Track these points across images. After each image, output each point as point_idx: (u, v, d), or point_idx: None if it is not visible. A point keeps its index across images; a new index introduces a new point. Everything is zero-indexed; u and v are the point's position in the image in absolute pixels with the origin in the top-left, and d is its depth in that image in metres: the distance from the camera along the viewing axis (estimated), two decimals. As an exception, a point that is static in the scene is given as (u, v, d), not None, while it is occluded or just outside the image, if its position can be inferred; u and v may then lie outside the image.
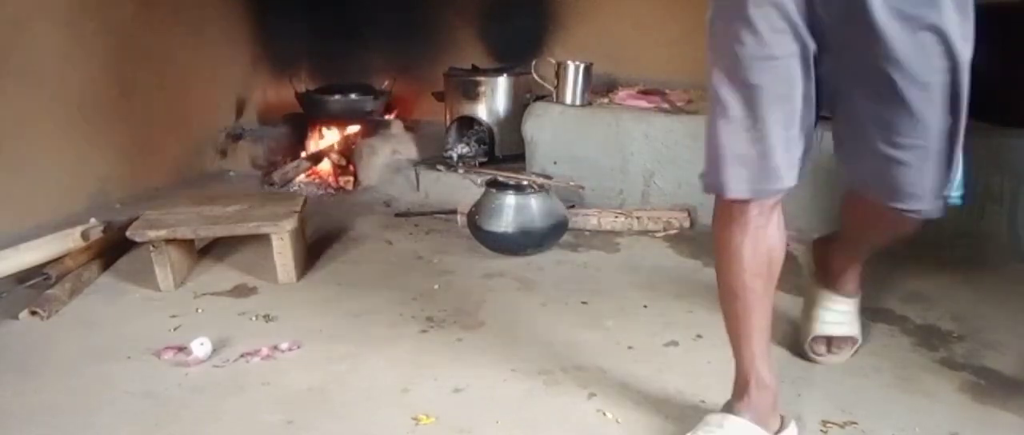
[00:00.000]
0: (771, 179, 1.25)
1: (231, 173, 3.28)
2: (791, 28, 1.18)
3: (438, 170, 2.99)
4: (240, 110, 3.48)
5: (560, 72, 2.84)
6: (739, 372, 1.38)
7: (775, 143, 1.22)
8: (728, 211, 1.30)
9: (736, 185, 1.25)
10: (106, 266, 2.25)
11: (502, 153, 3.10)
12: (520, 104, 3.04)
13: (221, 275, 2.23)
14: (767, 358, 1.37)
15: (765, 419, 1.35)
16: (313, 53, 3.80)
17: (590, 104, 2.87)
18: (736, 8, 1.19)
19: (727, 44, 1.22)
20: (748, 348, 1.35)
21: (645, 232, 2.60)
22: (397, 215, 2.79)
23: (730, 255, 1.32)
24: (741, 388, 1.37)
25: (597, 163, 2.76)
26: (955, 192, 1.27)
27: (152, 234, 2.04)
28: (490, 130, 3.10)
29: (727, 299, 1.36)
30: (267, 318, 1.95)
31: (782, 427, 1.38)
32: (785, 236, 1.36)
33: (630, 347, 1.79)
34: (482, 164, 3.01)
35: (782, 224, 1.35)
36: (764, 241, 1.31)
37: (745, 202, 1.27)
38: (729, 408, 1.36)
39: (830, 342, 1.70)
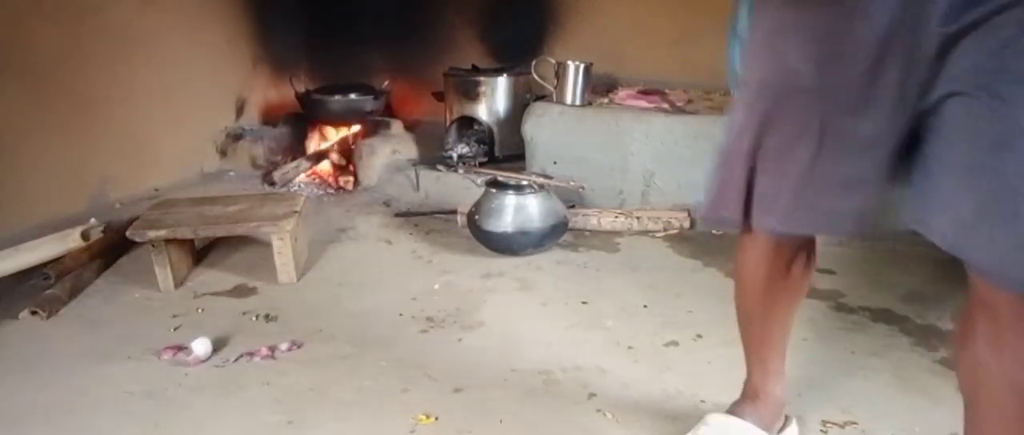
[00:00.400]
0: (757, 216, 1.13)
1: (231, 173, 3.28)
2: (836, 58, 1.00)
3: (438, 170, 2.99)
4: (240, 110, 3.47)
5: (560, 72, 2.84)
6: (750, 381, 1.37)
7: (769, 179, 1.10)
8: (745, 239, 1.25)
9: (707, 210, 1.20)
10: (106, 266, 2.25)
11: (502, 153, 3.10)
12: (520, 104, 3.04)
13: (221, 275, 2.23)
14: (781, 376, 1.36)
15: (769, 424, 1.35)
16: (313, 53, 3.80)
17: (590, 104, 2.87)
18: (769, 27, 1.09)
19: (751, 64, 1.13)
20: (761, 366, 1.34)
21: (645, 232, 2.60)
22: (397, 215, 2.79)
23: (746, 283, 1.29)
24: (750, 395, 1.36)
25: (597, 163, 2.76)
26: None
27: (152, 234, 2.04)
28: (490, 130, 3.10)
29: (743, 320, 1.34)
30: (267, 318, 1.95)
31: (785, 425, 1.38)
32: (811, 275, 1.28)
33: (630, 347, 1.79)
34: (482, 164, 3.01)
35: (810, 263, 1.27)
36: (783, 275, 1.24)
37: (756, 234, 1.20)
38: (734, 410, 1.36)
39: None
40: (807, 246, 1.26)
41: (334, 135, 3.43)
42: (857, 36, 0.97)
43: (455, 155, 3.03)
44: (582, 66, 2.82)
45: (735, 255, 1.30)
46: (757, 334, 1.33)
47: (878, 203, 1.07)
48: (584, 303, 2.05)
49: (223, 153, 3.34)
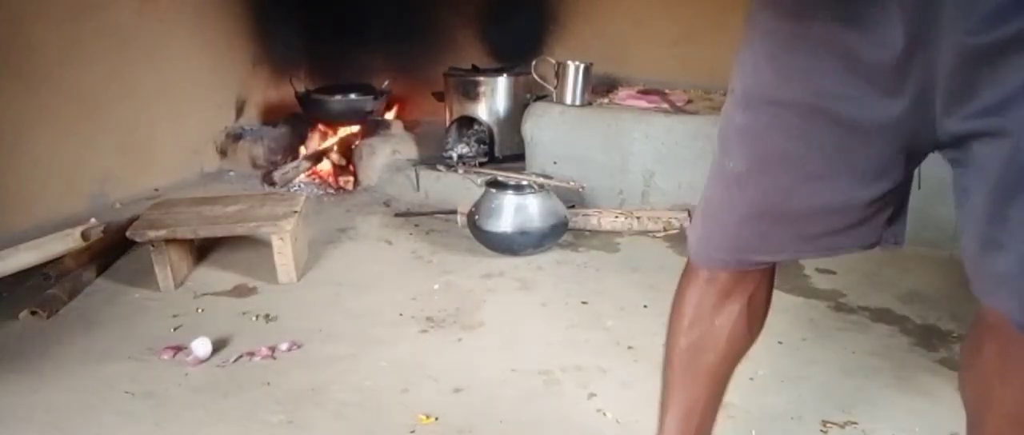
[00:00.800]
0: (739, 250, 0.99)
1: (231, 173, 3.28)
2: (832, 69, 0.84)
3: (438, 170, 2.99)
4: (240, 110, 3.48)
5: (560, 72, 2.84)
6: None
7: (753, 209, 0.95)
8: (687, 264, 1.09)
9: (695, 247, 1.04)
10: (106, 266, 2.25)
11: (502, 153, 3.10)
12: (520, 104, 3.04)
13: (221, 275, 2.23)
14: None
15: None
16: (313, 53, 3.80)
17: (590, 104, 2.87)
18: (754, 32, 0.93)
19: (738, 73, 0.96)
20: (664, 424, 1.14)
21: (645, 232, 2.60)
22: (397, 215, 2.79)
23: (673, 314, 1.10)
24: None
25: (597, 163, 2.76)
26: None
27: (152, 234, 2.04)
28: (490, 130, 3.10)
29: (664, 361, 1.13)
30: (267, 318, 1.95)
31: None
32: (759, 325, 1.10)
33: (630, 347, 1.79)
34: (482, 164, 3.01)
35: (757, 306, 1.07)
36: (720, 317, 1.06)
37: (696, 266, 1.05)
38: None
39: None
40: (748, 292, 1.05)
41: (334, 135, 3.43)
42: (867, 55, 0.81)
43: (455, 155, 3.03)
44: (582, 66, 2.82)
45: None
46: (669, 378, 1.12)
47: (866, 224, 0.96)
48: (584, 303, 2.05)
49: (223, 153, 3.35)
